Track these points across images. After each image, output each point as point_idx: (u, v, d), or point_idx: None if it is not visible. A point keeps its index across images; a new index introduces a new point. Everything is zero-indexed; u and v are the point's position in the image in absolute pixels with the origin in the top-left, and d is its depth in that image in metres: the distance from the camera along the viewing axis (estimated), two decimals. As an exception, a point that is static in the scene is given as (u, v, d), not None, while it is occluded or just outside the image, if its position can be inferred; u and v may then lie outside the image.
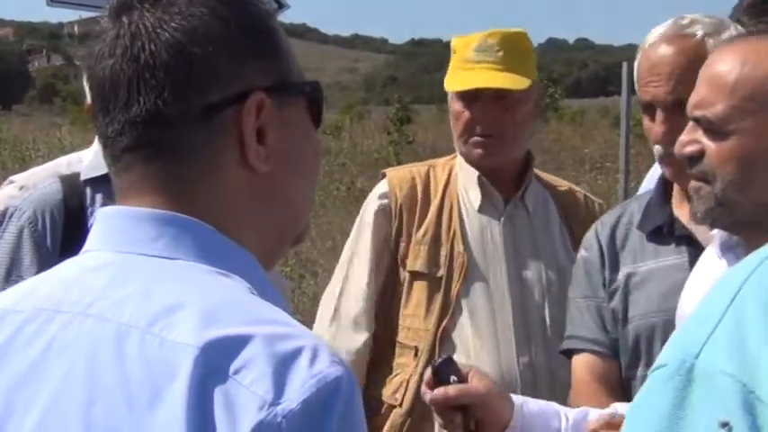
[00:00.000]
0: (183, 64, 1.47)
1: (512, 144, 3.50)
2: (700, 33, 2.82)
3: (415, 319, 3.50)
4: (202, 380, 1.28)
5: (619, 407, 2.55)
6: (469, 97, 3.43)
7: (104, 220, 1.55)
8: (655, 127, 2.83)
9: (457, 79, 3.51)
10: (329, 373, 1.29)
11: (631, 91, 10.86)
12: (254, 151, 1.51)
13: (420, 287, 3.53)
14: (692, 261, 2.77)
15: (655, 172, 4.08)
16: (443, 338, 3.41)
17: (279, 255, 1.71)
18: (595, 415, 2.49)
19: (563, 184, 3.82)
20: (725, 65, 2.21)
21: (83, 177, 3.13)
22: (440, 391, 2.34)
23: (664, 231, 2.91)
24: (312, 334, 1.39)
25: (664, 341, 2.67)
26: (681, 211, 2.92)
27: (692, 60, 2.71)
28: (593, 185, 17.84)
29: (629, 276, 2.94)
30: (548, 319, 3.47)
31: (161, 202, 1.49)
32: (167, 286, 1.42)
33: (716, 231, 2.38)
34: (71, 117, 33.44)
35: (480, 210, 3.53)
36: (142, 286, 1.42)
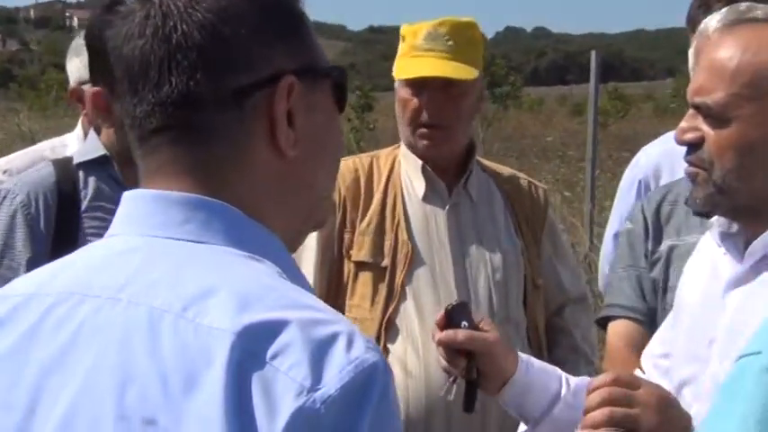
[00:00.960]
0: (216, 45, 1.46)
1: (456, 133, 3.53)
2: (761, 17, 2.81)
3: (360, 309, 3.51)
4: (239, 366, 1.27)
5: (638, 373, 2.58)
6: (418, 85, 3.44)
7: (130, 202, 1.54)
8: None
9: (406, 66, 3.51)
10: (366, 359, 1.29)
11: (599, 80, 10.91)
12: (284, 135, 1.50)
13: (365, 277, 3.55)
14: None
15: (637, 163, 4.11)
16: (389, 327, 3.43)
17: (302, 239, 1.71)
18: (581, 381, 2.49)
19: (506, 170, 3.84)
20: (725, 51, 2.23)
21: (75, 161, 3.11)
22: (449, 332, 2.37)
23: None
24: (346, 320, 1.38)
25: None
26: None
27: None
28: (556, 174, 17.91)
29: (671, 248, 3.03)
30: (494, 306, 3.47)
31: (189, 185, 1.48)
32: (199, 270, 1.41)
33: (715, 218, 2.38)
34: (28, 102, 33.19)
35: (424, 199, 3.56)
36: (173, 270, 1.41)
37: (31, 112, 30.45)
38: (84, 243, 2.81)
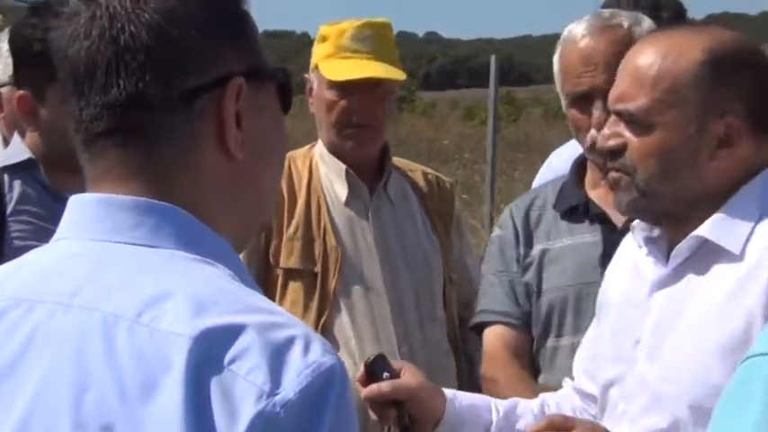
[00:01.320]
0: (164, 46, 1.43)
1: (381, 134, 3.54)
2: (626, 24, 2.94)
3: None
4: (198, 370, 1.26)
5: (548, 397, 2.63)
6: (346, 86, 3.42)
7: (77, 207, 1.51)
8: (594, 114, 2.89)
9: (336, 68, 3.48)
10: (323, 363, 1.29)
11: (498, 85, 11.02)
12: (232, 137, 1.48)
13: (296, 284, 3.50)
14: (606, 239, 2.94)
15: (549, 166, 4.17)
16: (323, 335, 3.34)
17: (248, 240, 1.72)
18: (525, 407, 2.55)
19: (414, 167, 3.85)
20: (646, 58, 2.25)
21: (1, 165, 3.07)
22: (373, 387, 2.38)
23: (579, 211, 3.01)
24: (301, 323, 1.38)
25: (575, 312, 3.01)
26: (594, 193, 3.07)
27: (623, 50, 2.72)
28: (454, 176, 17.99)
29: (543, 252, 3.05)
30: (421, 307, 3.49)
31: (138, 188, 1.46)
32: (152, 275, 1.39)
33: (636, 222, 2.41)
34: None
35: (347, 203, 3.54)
36: (126, 275, 1.40)
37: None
38: (11, 247, 2.83)
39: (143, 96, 1.43)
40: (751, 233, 2.20)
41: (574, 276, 3.00)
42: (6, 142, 3.51)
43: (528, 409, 2.55)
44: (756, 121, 2.25)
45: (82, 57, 1.43)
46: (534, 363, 3.07)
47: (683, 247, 2.28)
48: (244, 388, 1.25)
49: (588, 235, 3.02)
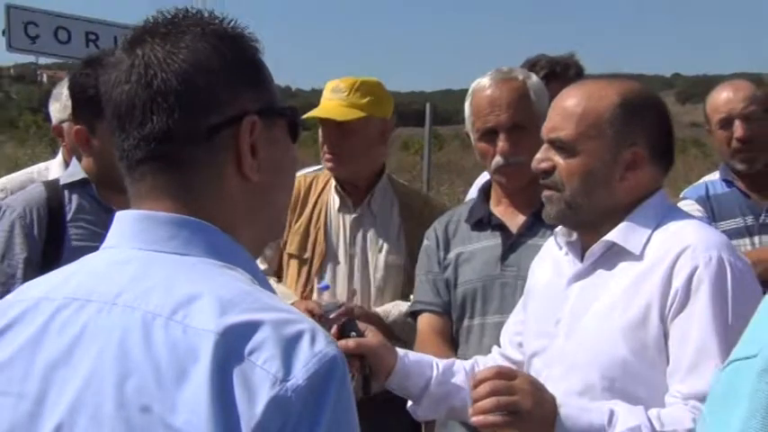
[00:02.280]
0: (190, 90, 1.32)
1: (350, 161, 3.40)
2: (521, 77, 2.94)
3: (290, 284, 3.48)
4: (222, 361, 1.16)
5: (479, 358, 2.57)
6: (322, 123, 3.38)
7: (122, 221, 1.38)
8: (499, 144, 2.86)
9: (315, 110, 3.43)
10: (327, 353, 1.19)
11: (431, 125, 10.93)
12: (248, 164, 1.37)
13: (294, 264, 3.46)
14: (504, 242, 2.91)
15: (477, 184, 3.99)
16: (307, 299, 3.32)
17: (263, 248, 1.60)
18: (460, 366, 2.48)
19: (412, 192, 3.72)
20: (573, 99, 2.18)
21: (62, 183, 2.94)
22: (342, 342, 2.32)
23: (484, 222, 2.96)
24: (309, 319, 1.25)
25: (483, 299, 2.91)
26: (496, 209, 2.99)
27: (521, 95, 2.88)
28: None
29: (458, 255, 2.99)
30: (371, 299, 3.40)
31: (172, 206, 1.34)
32: (184, 279, 1.27)
33: (558, 229, 2.34)
34: (12, 137, 32.02)
35: (338, 211, 3.47)
36: (163, 279, 1.27)
37: (12, 143, 29.41)
38: (69, 247, 2.78)
39: (172, 131, 1.32)
40: (649, 238, 2.14)
41: (481, 272, 2.92)
42: (68, 165, 3.41)
43: (461, 367, 2.47)
44: (656, 151, 2.19)
45: (123, 98, 1.33)
46: (455, 339, 2.99)
47: (595, 249, 2.20)
48: (260, 375, 1.14)
49: (491, 240, 2.94)
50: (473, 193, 3.96)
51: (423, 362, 2.41)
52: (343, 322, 2.45)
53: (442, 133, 47.16)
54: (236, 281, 1.29)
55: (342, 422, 1.18)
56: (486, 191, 3.07)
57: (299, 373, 1.15)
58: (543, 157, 2.21)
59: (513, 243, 2.89)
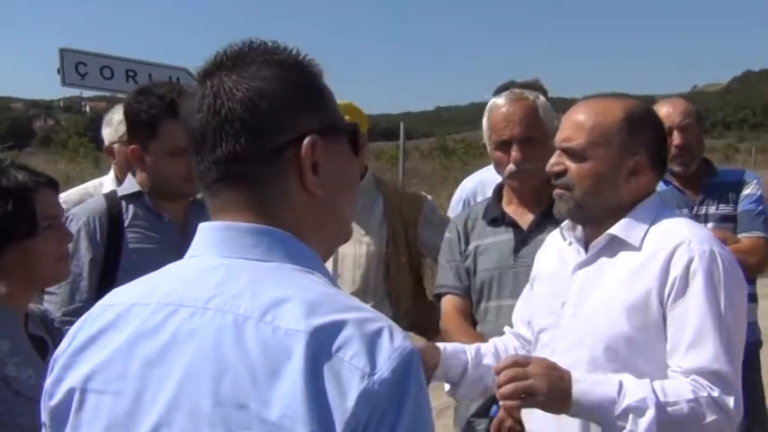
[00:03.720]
0: (255, 116, 1.17)
1: None
2: (531, 97, 2.80)
3: None
4: (313, 358, 1.01)
5: (497, 340, 2.40)
6: None
7: (206, 231, 1.21)
8: (512, 154, 2.74)
9: None
10: (405, 346, 1.05)
11: (405, 140, 10.79)
12: (310, 181, 1.19)
13: None
14: (516, 237, 2.79)
15: (462, 188, 3.83)
16: None
17: (331, 254, 1.39)
18: (486, 348, 2.31)
19: (394, 189, 3.46)
20: (583, 114, 2.06)
21: (120, 194, 2.74)
22: None
23: (498, 220, 2.85)
24: (384, 316, 1.10)
25: (498, 285, 2.79)
26: (508, 208, 2.88)
27: (531, 112, 2.75)
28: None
29: (476, 247, 2.87)
30: (356, 279, 3.15)
31: (251, 218, 1.18)
32: (270, 283, 1.11)
33: (565, 223, 2.20)
34: (63, 155, 31.59)
35: None
36: (249, 283, 1.11)
37: (63, 161, 29.01)
38: (127, 250, 2.61)
39: (239, 154, 1.17)
40: (647, 232, 2.01)
41: (496, 262, 2.80)
42: (119, 181, 3.31)
43: (487, 349, 2.30)
44: (655, 160, 2.07)
45: (197, 126, 1.19)
46: (473, 318, 2.86)
47: (599, 240, 2.06)
48: (349, 370, 1.01)
49: (504, 235, 2.83)
50: (460, 191, 3.88)
51: (458, 350, 2.24)
52: None
53: (407, 147, 47.37)
54: (317, 284, 1.13)
55: (423, 408, 1.05)
56: (498, 192, 2.95)
57: (384, 367, 1.02)
58: (556, 162, 2.08)
59: (524, 238, 2.78)
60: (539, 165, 2.34)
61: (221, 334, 1.06)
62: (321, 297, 1.09)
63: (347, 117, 3.10)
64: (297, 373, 1.00)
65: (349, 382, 1.00)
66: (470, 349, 2.26)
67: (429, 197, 3.47)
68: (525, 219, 2.81)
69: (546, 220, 2.69)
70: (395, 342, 1.05)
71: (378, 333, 1.05)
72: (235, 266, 1.14)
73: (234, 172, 1.17)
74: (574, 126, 2.05)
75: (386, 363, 1.02)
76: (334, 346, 1.02)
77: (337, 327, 1.04)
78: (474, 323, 2.85)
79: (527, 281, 2.57)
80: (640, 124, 2.04)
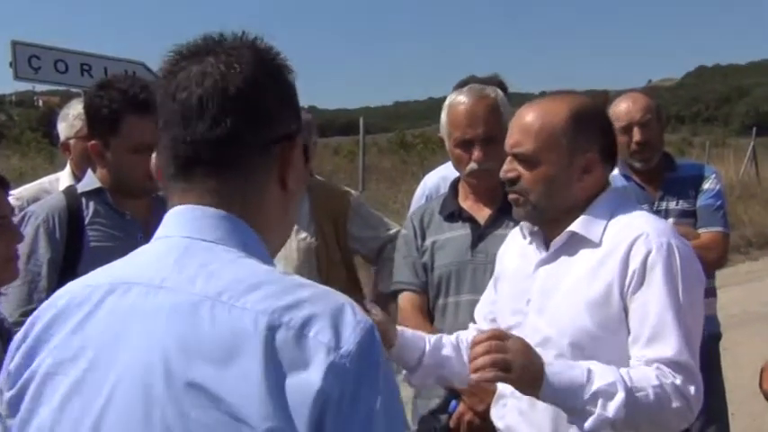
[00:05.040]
0: (261, 103, 1.17)
1: None
2: (493, 95, 2.78)
3: None
4: (271, 336, 1.00)
5: (460, 333, 2.40)
6: None
7: (174, 214, 1.20)
8: (474, 153, 2.72)
9: None
10: (366, 320, 1.06)
11: (365, 135, 10.76)
12: (291, 176, 1.23)
13: None
14: (473, 232, 2.79)
15: (424, 183, 3.84)
16: None
17: (275, 255, 1.35)
18: (447, 340, 2.32)
19: (318, 183, 3.40)
20: (530, 116, 2.06)
21: (79, 191, 2.67)
22: None
23: (455, 215, 2.84)
24: (341, 293, 1.10)
25: (456, 281, 2.77)
26: (464, 203, 2.87)
27: (493, 110, 2.74)
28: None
29: (433, 243, 2.85)
30: (296, 264, 3.17)
31: (217, 204, 1.17)
32: (228, 266, 1.11)
33: (523, 222, 2.20)
34: (15, 151, 30.92)
35: None
36: (204, 264, 1.11)
37: (17, 157, 28.38)
38: (88, 248, 2.55)
39: (241, 137, 1.16)
40: (605, 227, 2.03)
41: (453, 257, 2.79)
42: (76, 177, 3.24)
43: (448, 341, 2.32)
44: (606, 155, 2.08)
45: (194, 101, 1.15)
46: (431, 315, 2.85)
47: (558, 240, 2.08)
48: (314, 346, 1.00)
49: (461, 230, 2.82)
50: (422, 186, 3.88)
51: (417, 337, 2.26)
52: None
53: (366, 142, 47.21)
54: (269, 270, 1.13)
55: (390, 379, 1.06)
56: (454, 187, 2.94)
57: (349, 341, 1.02)
58: (509, 168, 2.08)
59: (481, 233, 2.77)
60: (499, 164, 2.30)
61: (175, 313, 1.05)
62: (277, 278, 1.09)
63: None
64: (255, 351, 0.99)
65: (313, 358, 0.99)
66: (430, 339, 2.28)
67: (356, 192, 3.49)
68: (482, 214, 2.82)
69: (503, 215, 2.72)
70: (357, 316, 1.05)
71: (340, 309, 1.05)
72: (193, 247, 1.14)
73: (224, 155, 1.16)
74: (522, 130, 2.05)
75: (350, 336, 1.02)
76: (296, 323, 1.01)
77: (296, 304, 1.03)
78: (432, 319, 2.84)
79: (485, 276, 2.60)
80: (587, 121, 2.04)
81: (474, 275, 2.73)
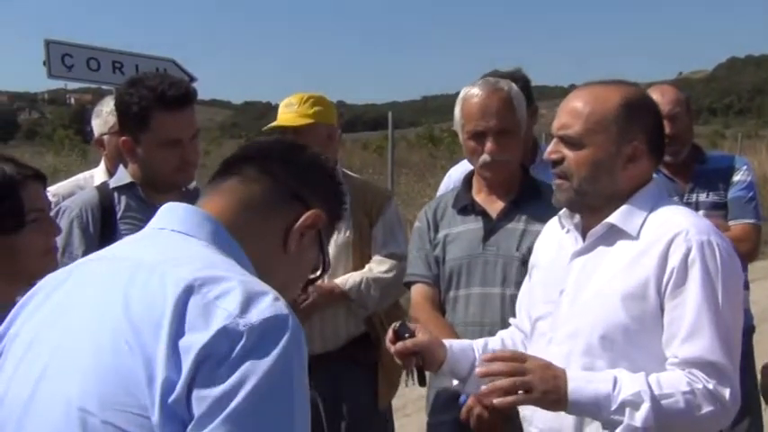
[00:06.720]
0: (306, 169, 1.43)
1: None
2: (506, 88, 2.78)
3: None
4: (187, 298, 1.10)
5: (503, 333, 2.40)
6: (281, 132, 3.17)
7: (167, 209, 1.36)
8: (487, 145, 2.71)
9: (273, 123, 3.25)
10: (285, 312, 1.11)
11: (394, 129, 10.74)
12: (293, 240, 1.37)
13: None
14: (485, 226, 2.78)
15: (449, 176, 3.83)
16: None
17: None
18: (493, 342, 2.32)
19: (360, 181, 3.46)
20: (580, 101, 2.03)
21: (111, 186, 2.73)
22: (399, 345, 2.14)
23: (468, 208, 2.83)
24: (276, 292, 1.16)
25: (467, 274, 2.77)
26: (478, 196, 2.87)
27: (506, 103, 2.72)
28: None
29: (446, 236, 2.85)
30: (333, 260, 3.11)
31: (221, 210, 1.34)
32: (176, 247, 1.24)
33: (563, 212, 2.19)
34: (49, 148, 31.27)
35: None
36: (163, 247, 1.25)
37: (50, 154, 28.71)
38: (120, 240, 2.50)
39: (281, 179, 1.39)
40: (644, 221, 2.00)
41: (465, 250, 2.79)
42: (110, 173, 3.31)
43: (495, 344, 2.31)
44: (652, 146, 2.05)
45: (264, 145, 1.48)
46: (442, 307, 2.85)
47: (597, 229, 2.05)
48: (219, 311, 1.08)
49: (474, 224, 2.81)
50: (447, 178, 3.84)
51: (465, 347, 2.24)
52: (398, 326, 2.21)
53: (395, 137, 47.25)
54: (221, 258, 1.23)
55: (284, 372, 1.08)
56: (468, 181, 2.93)
57: (255, 316, 1.08)
58: (554, 150, 2.05)
59: (493, 227, 2.77)
60: (512, 156, 2.32)
61: (115, 276, 1.18)
62: (221, 262, 1.20)
63: (318, 108, 3.18)
64: (168, 308, 1.08)
65: (214, 320, 1.06)
66: (478, 346, 2.26)
67: (393, 198, 3.52)
68: (495, 207, 2.81)
69: (515, 208, 2.72)
70: (276, 304, 1.10)
71: (261, 294, 1.11)
72: (160, 235, 1.27)
73: (266, 183, 1.36)
74: (571, 113, 2.02)
75: (258, 313, 1.08)
76: (213, 294, 1.09)
77: (220, 279, 1.12)
78: (443, 312, 2.84)
79: (495, 269, 2.61)
80: (638, 110, 2.01)
81: (485, 269, 2.73)
